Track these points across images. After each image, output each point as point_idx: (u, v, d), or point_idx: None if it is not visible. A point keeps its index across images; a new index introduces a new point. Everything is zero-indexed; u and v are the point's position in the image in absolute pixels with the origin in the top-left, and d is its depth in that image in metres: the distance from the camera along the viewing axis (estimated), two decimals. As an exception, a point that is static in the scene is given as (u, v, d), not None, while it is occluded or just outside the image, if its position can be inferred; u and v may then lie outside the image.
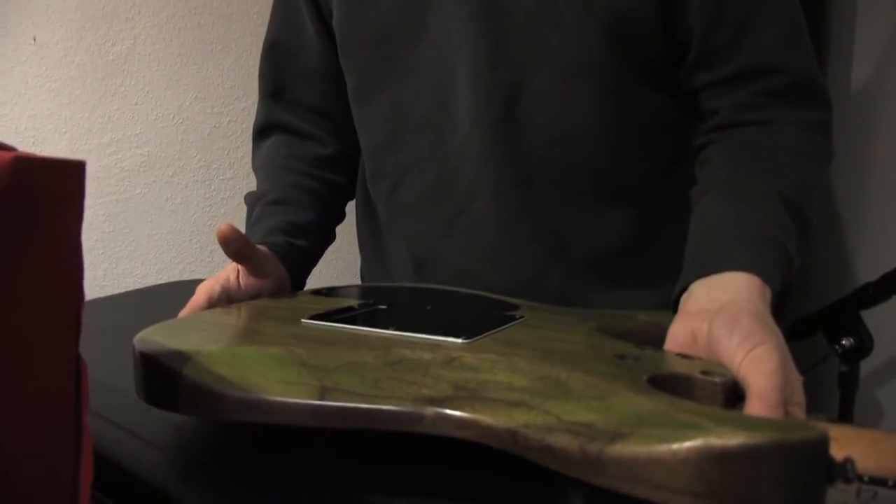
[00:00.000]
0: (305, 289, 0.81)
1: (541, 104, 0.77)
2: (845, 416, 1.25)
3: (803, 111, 0.75)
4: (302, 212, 0.86)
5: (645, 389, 0.43)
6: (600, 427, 0.39)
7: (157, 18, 1.45)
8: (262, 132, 0.97)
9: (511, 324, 0.59)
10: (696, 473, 0.36)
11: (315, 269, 0.88)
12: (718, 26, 0.74)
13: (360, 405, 0.46)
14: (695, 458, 0.36)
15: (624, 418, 0.40)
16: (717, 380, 0.47)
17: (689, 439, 0.36)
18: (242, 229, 0.77)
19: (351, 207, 1.01)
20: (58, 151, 1.42)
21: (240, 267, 0.71)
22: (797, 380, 0.48)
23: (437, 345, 0.51)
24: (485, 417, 0.43)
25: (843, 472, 0.37)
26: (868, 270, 1.32)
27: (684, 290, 0.62)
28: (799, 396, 0.47)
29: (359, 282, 1.04)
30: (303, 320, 0.59)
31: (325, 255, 0.91)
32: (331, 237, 0.94)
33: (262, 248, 0.76)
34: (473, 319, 0.62)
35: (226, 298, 0.69)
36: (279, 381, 0.48)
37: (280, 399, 0.47)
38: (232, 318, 0.63)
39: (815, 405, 0.49)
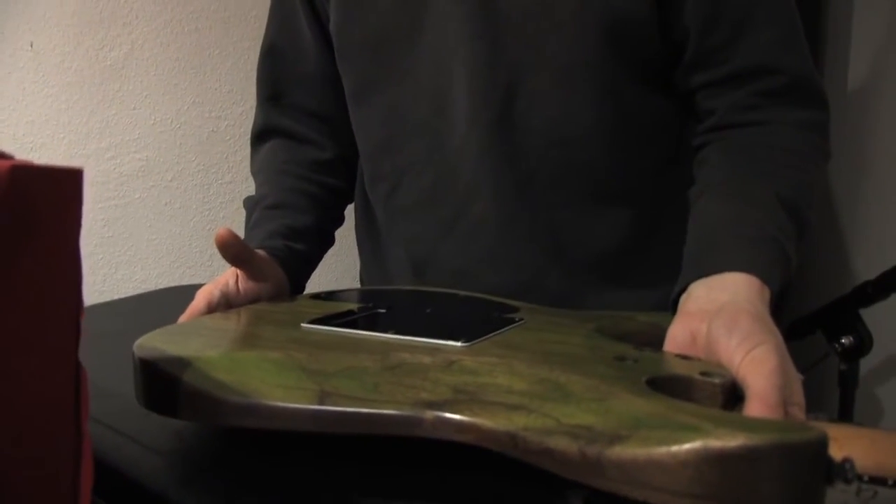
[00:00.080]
0: (305, 293, 0.81)
1: (538, 105, 0.77)
2: (845, 414, 1.25)
3: (800, 111, 0.75)
4: (301, 216, 0.86)
5: (644, 391, 0.43)
6: (599, 429, 0.40)
7: (154, 23, 1.45)
8: (260, 136, 0.97)
9: (510, 326, 0.59)
10: (696, 475, 0.36)
11: (314, 272, 0.88)
12: (715, 26, 0.74)
13: (360, 410, 0.46)
14: (694, 460, 0.36)
15: (623, 421, 0.40)
16: (717, 381, 0.47)
17: (688, 441, 0.36)
18: (241, 234, 0.78)
19: (350, 211, 1.01)
20: (56, 157, 1.42)
21: (239, 271, 0.71)
22: (796, 380, 0.48)
23: (437, 348, 0.51)
24: (484, 421, 0.43)
25: (842, 472, 0.37)
26: (867, 269, 1.32)
27: (683, 290, 0.62)
28: (798, 396, 0.47)
29: (358, 285, 1.04)
30: (302, 324, 0.59)
31: (324, 259, 0.91)
32: (330, 241, 0.94)
33: (260, 252, 0.76)
34: (473, 322, 0.62)
35: (225, 303, 0.69)
36: (279, 386, 0.48)
37: (279, 404, 0.47)
38: (231, 323, 0.63)
39: (814, 404, 0.49)
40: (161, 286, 1.40)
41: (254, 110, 0.98)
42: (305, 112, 0.94)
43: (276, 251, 0.79)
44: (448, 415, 0.45)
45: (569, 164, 0.79)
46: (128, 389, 0.53)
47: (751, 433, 0.36)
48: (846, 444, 0.44)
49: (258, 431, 0.48)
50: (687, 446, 0.36)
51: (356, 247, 1.02)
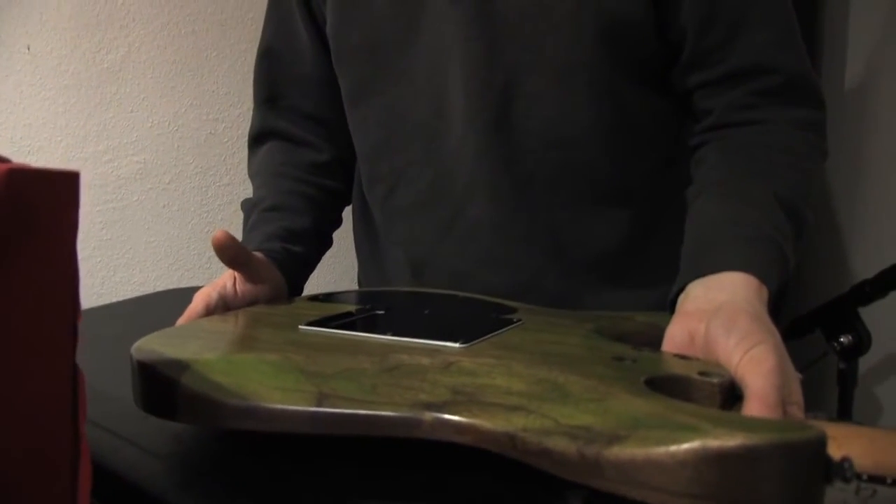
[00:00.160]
0: (303, 295, 0.81)
1: (535, 106, 0.77)
2: (844, 413, 1.25)
3: (797, 110, 0.75)
4: (298, 218, 0.86)
5: (642, 391, 0.43)
6: (598, 430, 0.40)
7: (151, 26, 1.45)
8: (257, 139, 0.97)
9: (508, 327, 0.59)
10: (694, 475, 0.36)
11: (312, 274, 0.88)
12: (711, 26, 0.74)
13: (358, 411, 0.46)
14: (692, 460, 0.36)
15: (622, 421, 0.40)
16: (715, 380, 0.47)
17: (686, 441, 0.36)
18: (239, 236, 0.77)
19: (347, 213, 1.01)
20: (53, 160, 1.42)
21: (236, 274, 0.71)
22: (795, 379, 0.48)
23: (435, 350, 0.51)
24: (483, 422, 0.43)
25: (840, 471, 0.37)
26: (865, 268, 1.32)
27: (681, 290, 0.62)
28: (797, 396, 0.47)
29: (356, 287, 1.03)
30: (300, 327, 0.59)
31: (322, 261, 0.91)
32: (328, 243, 0.94)
33: (258, 254, 0.76)
34: (471, 323, 0.62)
35: (223, 306, 0.69)
36: (277, 388, 0.48)
37: (278, 406, 0.47)
38: (229, 326, 0.63)
39: (813, 403, 0.49)
40: (159, 289, 1.40)
41: (251, 113, 0.98)
42: (302, 114, 0.94)
43: (274, 253, 0.79)
44: (446, 416, 0.45)
45: (566, 165, 0.79)
46: (126, 392, 0.53)
47: (749, 433, 0.36)
48: (845, 443, 0.44)
49: (256, 434, 0.48)
50: (685, 446, 0.36)
51: (354, 248, 1.02)
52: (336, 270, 1.48)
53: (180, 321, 0.66)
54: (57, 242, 0.35)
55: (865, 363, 1.29)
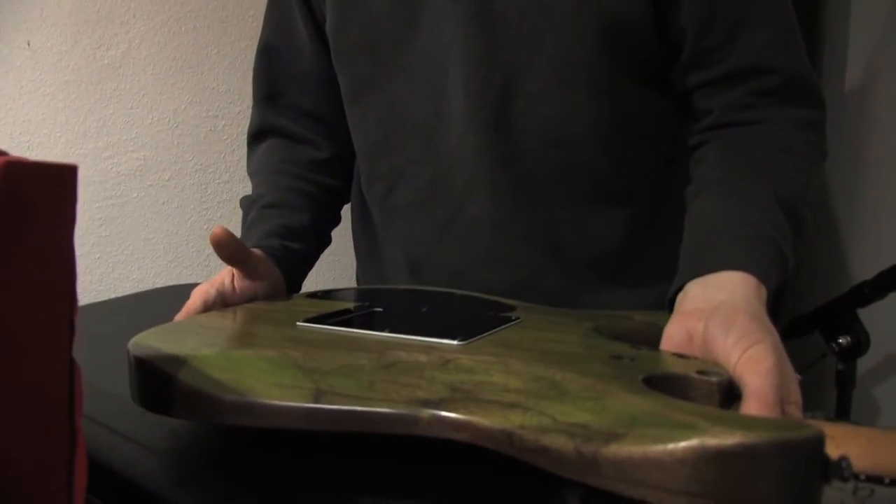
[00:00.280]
0: (301, 292, 0.81)
1: (534, 105, 0.77)
2: (842, 414, 1.25)
3: (796, 110, 0.75)
4: (297, 215, 0.86)
5: (640, 390, 0.43)
6: (596, 428, 0.39)
7: (151, 22, 1.45)
8: (256, 136, 0.96)
9: (507, 325, 0.59)
10: (692, 473, 0.36)
11: (311, 272, 0.88)
12: (711, 26, 0.74)
13: (356, 408, 0.46)
14: (691, 458, 0.36)
15: (619, 419, 0.40)
16: (714, 379, 0.47)
17: (684, 439, 0.36)
18: (238, 233, 0.77)
19: (347, 210, 1.00)
20: (53, 156, 1.42)
21: (235, 270, 0.71)
22: (793, 378, 0.48)
23: (433, 347, 0.51)
24: (480, 419, 0.43)
25: (838, 470, 0.37)
26: (864, 269, 1.32)
27: (680, 289, 0.62)
28: (795, 395, 0.47)
29: (355, 285, 1.03)
30: (298, 323, 0.59)
31: (321, 258, 0.91)
32: (326, 241, 0.94)
33: (257, 251, 0.76)
34: (469, 321, 0.62)
35: (221, 302, 0.69)
36: (274, 385, 0.48)
37: (275, 402, 0.47)
38: (227, 322, 0.63)
39: (812, 403, 0.49)
40: (158, 285, 1.40)
41: (251, 110, 0.98)
42: (302, 112, 0.94)
43: (273, 250, 0.79)
44: (444, 413, 0.44)
45: (565, 164, 0.79)
46: (123, 388, 0.53)
47: (748, 431, 0.35)
48: (843, 442, 0.44)
49: (254, 430, 0.48)
50: (684, 444, 0.36)
51: (353, 247, 1.02)
52: (335, 269, 1.47)
53: (178, 317, 0.66)
54: (54, 236, 0.35)
55: (864, 364, 1.29)
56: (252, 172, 0.94)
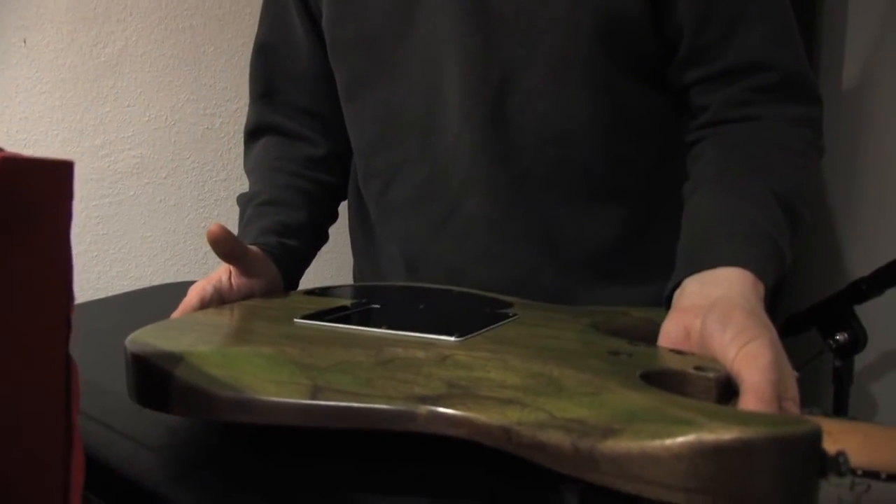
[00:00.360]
0: (298, 289, 0.81)
1: (531, 102, 0.77)
2: (840, 410, 1.25)
3: (793, 107, 0.75)
4: (294, 212, 0.86)
5: (638, 385, 0.43)
6: (593, 423, 0.39)
7: (148, 20, 1.45)
8: (253, 134, 0.96)
9: (504, 321, 0.59)
10: (690, 468, 0.36)
11: (309, 269, 0.88)
12: (708, 23, 0.74)
13: (353, 404, 0.46)
14: (688, 454, 0.36)
15: (616, 414, 0.40)
16: (711, 375, 0.47)
17: (681, 434, 0.36)
18: (236, 231, 0.77)
19: (344, 208, 1.00)
20: (49, 154, 1.40)
21: (232, 268, 0.71)
22: (791, 375, 0.48)
23: (430, 343, 0.51)
24: (478, 415, 0.43)
25: (835, 465, 0.37)
26: (861, 266, 1.32)
27: (677, 286, 0.62)
28: (793, 391, 0.47)
29: (352, 282, 1.03)
30: (295, 320, 0.59)
31: (318, 256, 0.91)
32: (324, 238, 0.94)
33: (254, 248, 0.76)
34: (466, 317, 0.62)
35: (218, 299, 0.69)
36: (271, 381, 0.48)
37: (272, 399, 0.47)
38: (224, 319, 0.63)
39: (810, 400, 0.49)
40: (155, 283, 1.40)
41: (248, 107, 0.98)
42: (298, 109, 0.94)
43: (270, 247, 0.79)
44: (441, 409, 0.44)
45: (562, 161, 0.79)
46: (121, 386, 0.53)
47: (745, 426, 0.35)
48: (840, 438, 0.44)
49: (251, 427, 0.48)
50: (681, 439, 0.36)
51: (350, 244, 1.02)
52: (332, 266, 1.47)
53: (175, 314, 0.66)
54: (51, 232, 0.34)
55: (861, 361, 1.29)
56: (249, 170, 0.94)
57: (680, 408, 0.39)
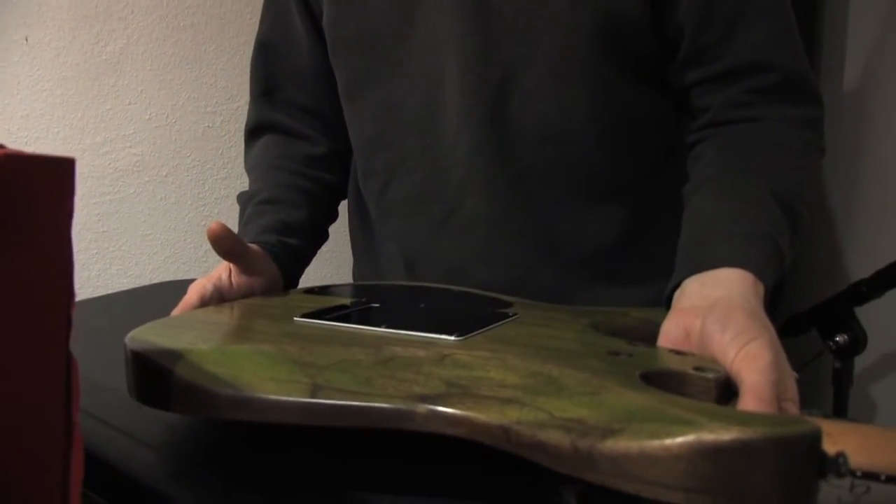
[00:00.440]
0: (298, 287, 0.81)
1: (531, 102, 0.77)
2: (839, 412, 1.25)
3: (794, 108, 0.75)
4: (294, 211, 0.86)
5: (637, 385, 0.43)
6: (592, 423, 0.39)
7: (150, 18, 1.45)
8: (253, 132, 0.96)
9: (504, 321, 0.59)
10: (689, 469, 0.36)
11: (309, 268, 0.88)
12: (709, 23, 0.74)
13: (352, 403, 0.46)
14: (687, 454, 0.36)
15: (616, 414, 0.40)
16: (710, 375, 0.47)
17: (681, 434, 0.36)
18: (236, 229, 0.77)
19: (344, 207, 1.00)
20: (50, 151, 1.40)
21: (232, 266, 0.71)
22: (790, 375, 0.48)
23: (430, 342, 0.51)
24: (477, 414, 0.43)
25: (835, 466, 0.37)
26: (861, 267, 1.32)
27: (677, 286, 0.62)
28: (792, 392, 0.47)
29: (352, 281, 1.03)
30: (295, 318, 0.59)
31: (318, 255, 0.91)
32: (324, 236, 0.94)
33: (254, 246, 0.76)
34: (466, 317, 0.62)
35: (218, 297, 0.69)
36: (271, 379, 0.48)
37: (272, 397, 0.47)
38: (224, 317, 0.63)
39: (809, 402, 0.49)
40: (155, 281, 1.40)
41: (248, 106, 0.98)
42: (299, 107, 0.94)
43: (270, 246, 0.79)
44: (441, 408, 0.44)
45: (562, 161, 0.79)
46: (120, 383, 0.53)
47: (744, 426, 0.35)
48: (839, 439, 0.44)
49: (251, 425, 0.48)
50: (680, 439, 0.36)
51: (350, 243, 1.02)
52: (332, 264, 1.47)
53: (175, 312, 0.66)
54: (52, 229, 0.34)
55: (861, 363, 1.29)
56: (249, 168, 0.94)
57: (679, 408, 0.39)
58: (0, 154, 0.32)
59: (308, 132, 0.94)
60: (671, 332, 0.56)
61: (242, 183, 0.94)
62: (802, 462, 0.36)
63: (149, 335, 0.53)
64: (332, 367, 0.48)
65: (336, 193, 0.96)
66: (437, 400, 0.45)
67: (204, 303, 0.67)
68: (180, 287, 0.71)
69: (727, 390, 0.47)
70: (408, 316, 0.63)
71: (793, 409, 0.47)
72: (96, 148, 1.45)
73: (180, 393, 0.48)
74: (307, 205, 0.88)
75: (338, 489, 0.46)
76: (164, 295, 0.95)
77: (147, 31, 1.45)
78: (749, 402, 0.45)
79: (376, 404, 0.45)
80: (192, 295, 0.68)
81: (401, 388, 0.46)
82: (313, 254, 0.90)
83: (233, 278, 0.71)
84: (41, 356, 0.35)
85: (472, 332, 0.54)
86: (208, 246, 0.68)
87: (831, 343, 1.24)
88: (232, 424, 0.53)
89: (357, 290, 0.78)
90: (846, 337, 1.23)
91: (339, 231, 0.99)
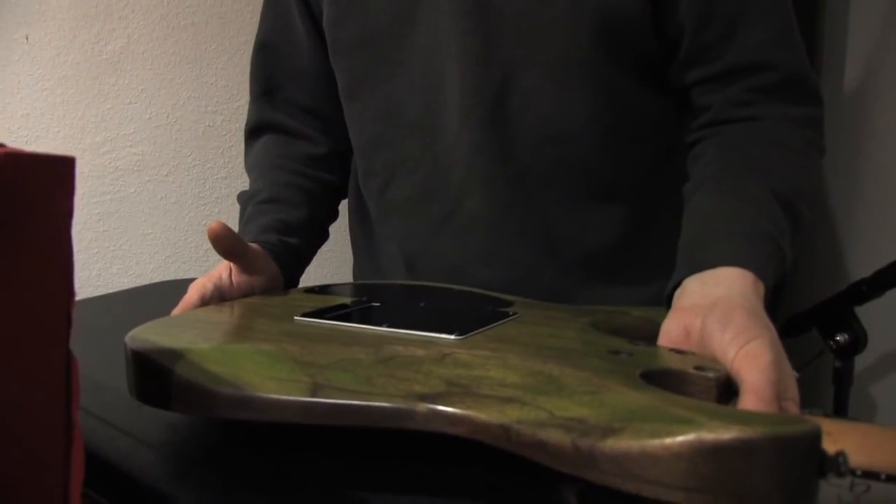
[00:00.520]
0: (298, 287, 0.81)
1: (531, 102, 0.77)
2: (840, 411, 1.25)
3: (794, 107, 0.75)
4: (294, 210, 0.86)
5: (638, 385, 0.43)
6: (593, 422, 0.39)
7: (150, 17, 1.45)
8: (254, 132, 0.96)
9: (504, 320, 0.59)
10: (689, 468, 0.36)
11: (309, 267, 0.88)
12: (709, 23, 0.74)
13: (353, 402, 0.46)
14: (687, 453, 0.36)
15: (616, 413, 0.40)
16: (711, 375, 0.47)
17: (681, 434, 0.36)
18: (236, 229, 0.77)
19: (344, 206, 1.00)
20: (51, 150, 1.39)
21: (232, 265, 0.71)
22: (791, 375, 0.48)
23: (430, 341, 0.51)
24: (477, 413, 0.43)
25: (835, 465, 0.37)
26: (861, 266, 1.32)
27: (677, 285, 0.62)
28: (793, 391, 0.47)
29: (352, 281, 1.03)
30: (295, 318, 0.59)
31: (318, 254, 0.91)
32: (324, 236, 0.94)
33: (254, 246, 0.76)
34: (467, 316, 0.62)
35: (218, 296, 0.69)
36: (271, 378, 0.48)
37: (272, 396, 0.47)
38: (224, 316, 0.63)
39: (809, 401, 0.49)
40: (156, 280, 1.40)
41: (249, 106, 0.98)
42: (299, 107, 0.94)
43: (270, 245, 0.79)
44: (441, 407, 0.44)
45: (562, 161, 0.79)
46: (120, 382, 0.53)
47: (745, 426, 0.35)
48: (840, 438, 0.44)
49: (251, 424, 0.48)
50: (680, 439, 0.36)
51: (350, 242, 1.02)
52: (332, 264, 1.47)
53: (175, 311, 0.66)
54: (52, 228, 0.34)
55: (861, 362, 1.29)
56: (249, 168, 0.94)
57: (680, 407, 0.39)
58: (0, 153, 0.32)
59: (308, 132, 0.94)
60: (671, 331, 0.56)
61: (243, 182, 0.94)
62: (802, 461, 0.36)
63: (149, 334, 0.53)
64: (332, 366, 0.48)
65: (336, 193, 0.96)
66: (437, 399, 0.45)
67: (204, 302, 0.67)
68: (181, 286, 0.71)
69: (727, 389, 0.47)
70: (408, 315, 0.63)
71: (793, 408, 0.47)
72: (97, 147, 1.45)
73: (181, 392, 0.48)
74: (307, 204, 0.88)
75: (338, 489, 0.46)
76: (164, 294, 0.95)
77: (148, 30, 1.45)
78: (749, 401, 0.45)
79: (377, 403, 0.45)
80: (192, 294, 0.68)
81: (401, 387, 0.46)
82: (314, 253, 0.90)
83: (233, 277, 0.71)
84: (41, 355, 0.35)
85: (473, 331, 0.54)
86: (209, 245, 0.68)
87: (832, 342, 1.24)
88: (232, 424, 0.53)
89: (357, 289, 0.78)
90: (846, 336, 1.22)
91: (339, 231, 0.99)
